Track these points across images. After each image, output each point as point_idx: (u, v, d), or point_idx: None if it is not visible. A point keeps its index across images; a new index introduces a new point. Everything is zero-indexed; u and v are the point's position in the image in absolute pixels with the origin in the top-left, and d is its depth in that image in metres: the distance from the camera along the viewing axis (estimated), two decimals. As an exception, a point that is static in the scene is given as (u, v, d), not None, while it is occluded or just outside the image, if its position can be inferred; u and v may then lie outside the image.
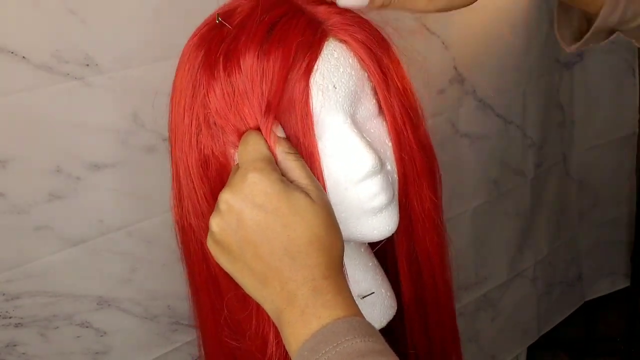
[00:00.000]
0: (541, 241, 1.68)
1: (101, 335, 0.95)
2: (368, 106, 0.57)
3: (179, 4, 0.88)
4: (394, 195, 0.58)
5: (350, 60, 0.56)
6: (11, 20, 0.77)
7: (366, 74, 0.57)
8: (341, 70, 0.55)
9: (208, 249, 0.54)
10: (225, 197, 0.50)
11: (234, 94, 0.53)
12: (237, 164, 0.54)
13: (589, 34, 0.75)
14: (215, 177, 0.57)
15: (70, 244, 0.89)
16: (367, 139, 0.56)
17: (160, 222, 0.94)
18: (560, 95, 1.62)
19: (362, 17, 0.59)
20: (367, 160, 0.54)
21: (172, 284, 0.98)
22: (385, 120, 0.58)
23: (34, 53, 0.79)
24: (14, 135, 0.81)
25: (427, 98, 0.65)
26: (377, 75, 0.56)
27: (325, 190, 0.54)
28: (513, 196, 1.55)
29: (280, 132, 0.53)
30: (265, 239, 0.49)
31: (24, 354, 0.89)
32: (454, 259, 0.69)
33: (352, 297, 0.50)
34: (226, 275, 0.54)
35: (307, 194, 0.50)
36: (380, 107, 0.59)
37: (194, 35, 0.59)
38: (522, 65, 1.45)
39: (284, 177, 0.51)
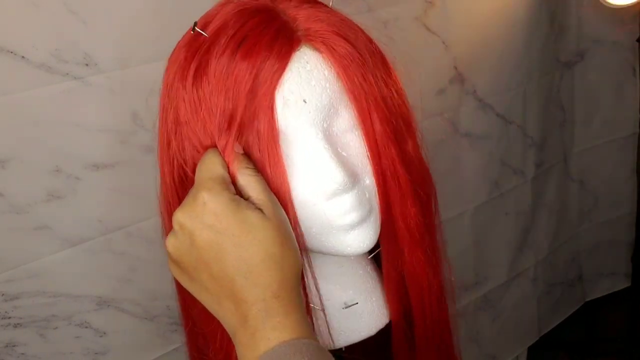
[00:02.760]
0: (541, 241, 1.68)
1: (100, 336, 0.95)
2: (347, 117, 0.55)
3: (178, 4, 0.88)
4: (370, 211, 0.55)
5: (325, 72, 0.53)
6: (11, 20, 0.77)
7: (345, 86, 0.54)
8: (313, 83, 0.52)
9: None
10: (177, 217, 0.50)
11: (201, 108, 0.52)
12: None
13: None
14: (184, 186, 0.56)
15: (69, 244, 0.89)
16: (343, 153, 0.54)
17: (160, 222, 0.94)
18: (561, 95, 1.62)
19: (350, 22, 0.56)
20: (336, 177, 0.52)
21: (171, 285, 0.97)
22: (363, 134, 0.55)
23: (34, 53, 0.79)
24: (14, 135, 0.81)
25: (427, 98, 0.63)
26: (354, 90, 0.53)
27: (291, 205, 0.53)
28: (513, 196, 1.55)
29: (238, 149, 0.52)
30: (218, 259, 0.48)
31: (23, 354, 0.89)
32: (453, 260, 0.67)
33: (305, 317, 0.49)
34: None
35: (260, 211, 0.49)
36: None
37: (183, 38, 0.57)
38: (522, 65, 1.44)
39: (237, 195, 0.50)
